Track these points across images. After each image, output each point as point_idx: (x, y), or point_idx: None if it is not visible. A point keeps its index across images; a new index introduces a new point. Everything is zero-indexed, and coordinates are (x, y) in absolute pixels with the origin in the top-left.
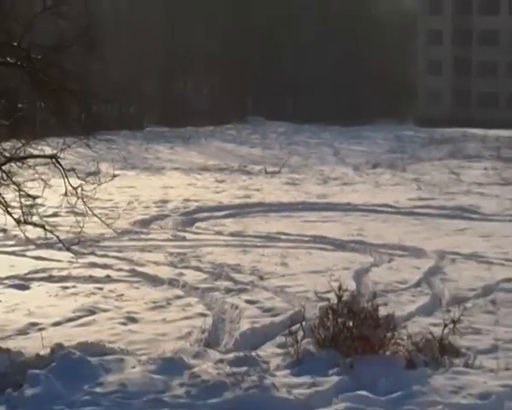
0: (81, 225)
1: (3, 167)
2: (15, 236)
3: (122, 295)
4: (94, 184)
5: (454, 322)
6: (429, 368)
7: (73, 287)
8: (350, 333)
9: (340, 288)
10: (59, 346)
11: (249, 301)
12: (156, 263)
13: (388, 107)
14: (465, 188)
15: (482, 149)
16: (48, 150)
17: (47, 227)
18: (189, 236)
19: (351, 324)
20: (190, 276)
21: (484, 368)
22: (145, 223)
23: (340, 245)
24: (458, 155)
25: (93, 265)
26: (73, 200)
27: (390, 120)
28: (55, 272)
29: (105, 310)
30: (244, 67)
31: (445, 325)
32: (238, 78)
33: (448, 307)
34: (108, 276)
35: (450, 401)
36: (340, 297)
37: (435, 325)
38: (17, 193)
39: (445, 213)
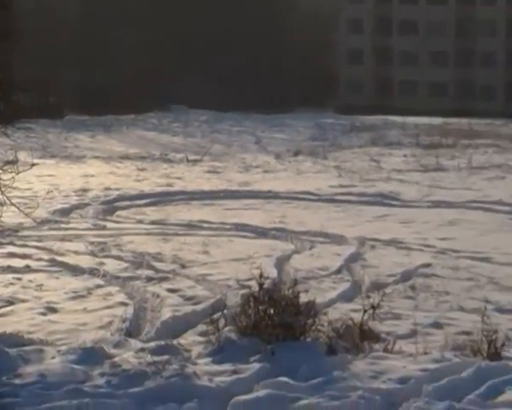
0: None
1: None
2: None
3: (42, 285)
4: (12, 172)
5: (374, 308)
6: (349, 354)
7: None
8: (271, 320)
9: (261, 275)
10: None
11: (171, 290)
12: (76, 252)
13: (310, 95)
14: (385, 175)
15: (402, 136)
16: None
17: None
18: (109, 225)
19: (272, 311)
20: (111, 265)
21: (403, 353)
22: (65, 212)
23: (261, 233)
24: (379, 142)
25: (12, 255)
26: None
27: (312, 109)
28: None
29: (24, 300)
30: (165, 55)
31: (365, 311)
32: (159, 66)
33: (368, 293)
34: (28, 266)
35: (370, 386)
36: (261, 285)
37: (355, 311)
38: None
39: (366, 200)
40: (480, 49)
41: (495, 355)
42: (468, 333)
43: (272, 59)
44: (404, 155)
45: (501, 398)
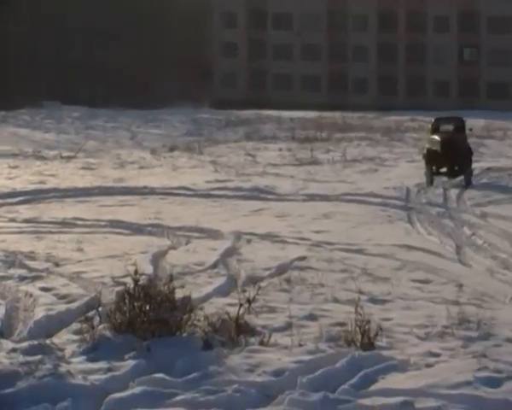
0: None
1: None
2: None
3: None
4: None
5: (249, 302)
6: (225, 348)
7: None
8: (147, 317)
9: (136, 272)
10: None
11: (44, 289)
12: None
13: (185, 90)
14: (261, 169)
15: (277, 130)
16: None
17: None
18: None
19: (147, 307)
20: None
21: (278, 345)
22: None
23: (137, 229)
24: (254, 136)
25: None
26: None
27: (187, 103)
28: None
29: None
30: (36, 51)
31: (241, 305)
32: (30, 62)
33: (244, 287)
34: None
35: (246, 380)
36: (136, 281)
37: (232, 305)
38: None
39: (242, 195)
40: (352, 43)
41: (368, 345)
42: (342, 324)
43: (148, 55)
44: (280, 149)
45: (374, 387)
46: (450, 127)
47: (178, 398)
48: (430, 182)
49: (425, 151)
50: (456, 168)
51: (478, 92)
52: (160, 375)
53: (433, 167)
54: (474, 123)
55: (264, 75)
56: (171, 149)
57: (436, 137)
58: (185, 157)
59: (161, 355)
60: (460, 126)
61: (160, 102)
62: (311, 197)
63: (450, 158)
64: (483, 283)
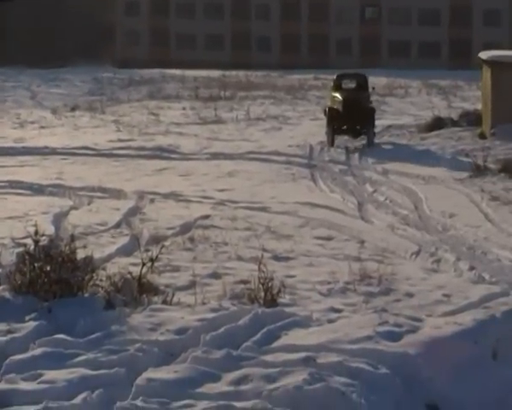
0: None
1: None
2: None
3: None
4: None
5: (152, 261)
6: (128, 307)
7: None
8: (48, 277)
9: (36, 232)
10: None
11: None
12: None
13: (88, 49)
14: (164, 128)
15: (181, 89)
16: None
17: None
18: None
19: (48, 268)
20: None
21: (182, 304)
22: None
23: (38, 189)
24: (157, 95)
25: None
26: None
27: (89, 63)
28: None
29: None
30: None
31: (144, 264)
32: None
33: (147, 246)
34: None
35: (149, 338)
36: (36, 242)
37: (135, 264)
38: None
39: (145, 154)
40: (254, 1)
41: (271, 302)
42: (245, 282)
43: (48, 14)
44: (183, 108)
45: (277, 343)
46: (352, 85)
47: (80, 358)
48: (331, 142)
49: (326, 109)
50: (358, 128)
51: (380, 51)
52: (62, 336)
53: (335, 126)
54: (376, 81)
55: (167, 34)
56: (73, 109)
57: (338, 96)
58: (87, 117)
59: (63, 316)
60: (363, 84)
61: (61, 61)
62: (215, 156)
63: (353, 117)
64: (384, 239)
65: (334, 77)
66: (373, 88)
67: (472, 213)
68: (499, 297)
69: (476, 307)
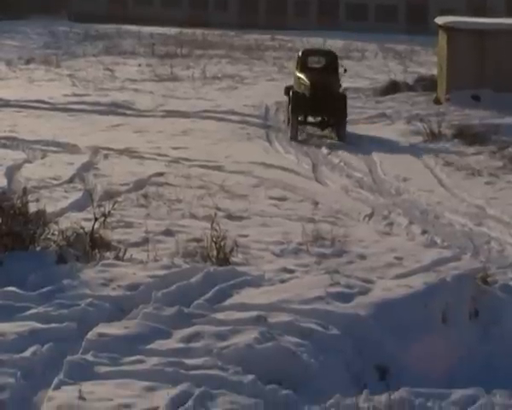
0: None
1: None
2: None
3: None
4: None
5: (105, 216)
6: (80, 262)
7: None
8: None
9: None
10: None
11: None
12: None
13: (44, 2)
14: (120, 84)
15: (137, 45)
16: None
17: None
18: None
19: (0, 220)
20: None
21: (134, 260)
22: None
23: None
24: (113, 51)
25: None
26: None
27: (45, 16)
28: None
29: None
30: None
31: (96, 219)
32: None
33: (101, 201)
34: None
35: (100, 294)
36: None
37: (87, 219)
38: None
39: (100, 110)
40: None
41: (224, 261)
42: (198, 240)
43: None
44: (139, 65)
45: (228, 302)
46: (320, 64)
47: (31, 312)
48: (295, 135)
49: (290, 94)
50: (326, 119)
51: (337, 13)
52: (13, 288)
53: (300, 117)
54: (333, 43)
55: None
56: (28, 62)
57: (304, 78)
58: (42, 70)
59: (14, 269)
60: (332, 64)
61: (16, 13)
62: (171, 113)
63: (322, 106)
64: (338, 201)
65: (299, 53)
66: (344, 70)
67: (425, 178)
68: (450, 261)
69: (427, 271)
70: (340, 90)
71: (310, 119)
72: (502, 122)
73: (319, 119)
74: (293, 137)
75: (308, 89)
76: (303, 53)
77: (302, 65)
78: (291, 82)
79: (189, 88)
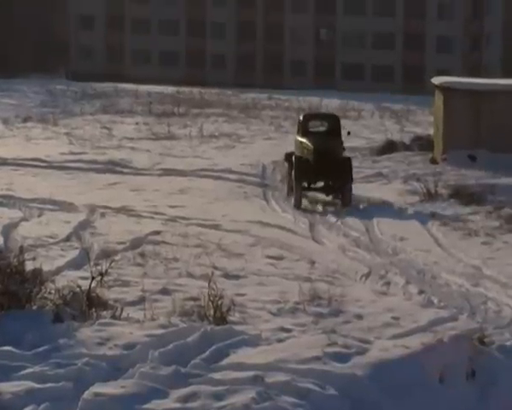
0: None
1: None
2: None
3: None
4: None
5: (102, 275)
6: (76, 321)
7: None
8: None
9: None
10: None
11: None
12: None
13: (41, 61)
14: (117, 143)
15: (134, 104)
16: None
17: None
18: None
19: None
20: None
21: (131, 319)
22: None
23: None
24: (110, 110)
25: None
26: None
27: (42, 75)
28: None
29: None
30: None
31: (93, 278)
32: None
33: (97, 260)
34: None
35: (97, 353)
36: None
37: (84, 278)
38: None
39: (97, 168)
40: (210, 19)
41: (221, 320)
42: (195, 299)
43: (2, 24)
44: (136, 123)
45: (225, 361)
46: (322, 128)
47: (27, 371)
48: (299, 202)
49: (293, 159)
50: (331, 184)
51: (333, 73)
52: (8, 348)
53: (304, 183)
54: (330, 103)
55: (123, 49)
56: (25, 120)
57: (307, 142)
58: (39, 128)
59: (10, 328)
60: (334, 127)
61: (14, 72)
62: (168, 172)
63: (326, 171)
64: (335, 260)
65: (300, 117)
66: (348, 133)
67: (422, 238)
68: (447, 322)
69: (424, 331)
70: (344, 153)
71: (314, 185)
72: (498, 182)
73: (323, 184)
74: (297, 205)
75: (311, 153)
76: (304, 117)
77: (304, 129)
78: (288, 143)
79: (186, 146)
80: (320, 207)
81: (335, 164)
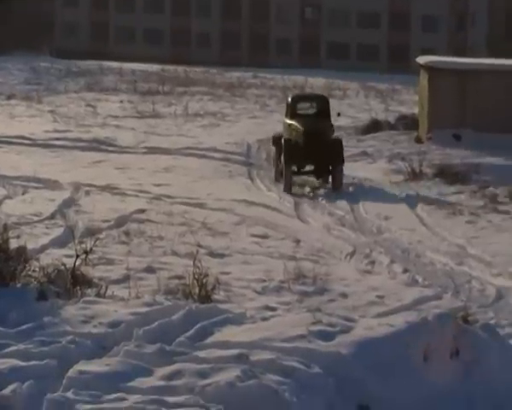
0: None
1: None
2: None
3: None
4: None
5: (86, 253)
6: (61, 299)
7: None
8: None
9: None
10: None
11: None
12: None
13: (25, 38)
14: (101, 121)
15: (119, 82)
16: None
17: None
18: None
19: None
20: None
21: (115, 297)
22: None
23: None
24: (95, 87)
25: None
26: None
27: (27, 52)
28: None
29: None
30: None
31: (78, 256)
32: None
33: (82, 238)
34: None
35: (81, 331)
36: None
37: (69, 256)
38: None
39: (82, 146)
40: None
41: (206, 298)
42: (180, 277)
43: None
44: (121, 101)
45: (209, 339)
46: (311, 110)
47: (11, 349)
48: (289, 186)
49: (282, 142)
50: (323, 166)
51: (319, 52)
52: None
53: (294, 167)
54: (315, 82)
55: (107, 27)
56: (9, 98)
57: (296, 124)
58: (23, 106)
59: None
60: (324, 109)
61: None
62: (152, 150)
63: (317, 154)
64: (320, 239)
65: (289, 99)
66: (338, 114)
67: (407, 217)
68: (432, 300)
69: (409, 310)
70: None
71: (304, 168)
72: (482, 162)
73: (313, 167)
74: (288, 189)
75: (301, 136)
76: (292, 99)
77: (292, 111)
78: (273, 122)
79: (171, 125)
80: (310, 191)
81: (326, 146)
